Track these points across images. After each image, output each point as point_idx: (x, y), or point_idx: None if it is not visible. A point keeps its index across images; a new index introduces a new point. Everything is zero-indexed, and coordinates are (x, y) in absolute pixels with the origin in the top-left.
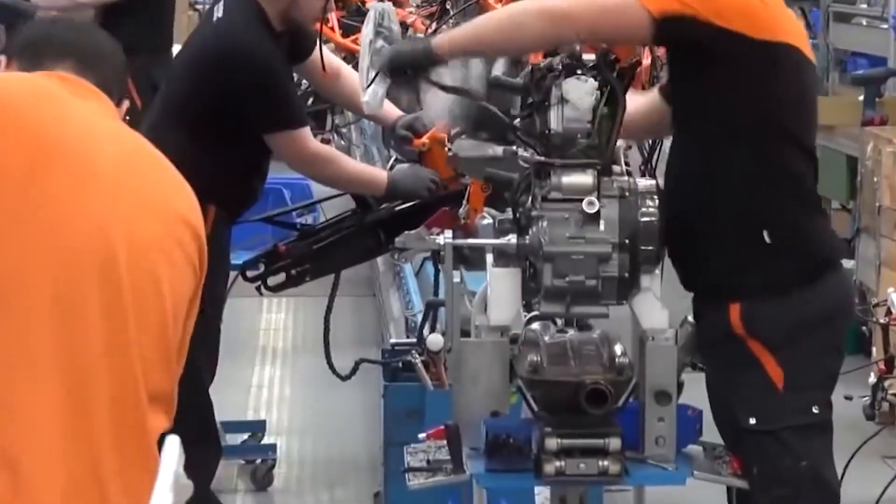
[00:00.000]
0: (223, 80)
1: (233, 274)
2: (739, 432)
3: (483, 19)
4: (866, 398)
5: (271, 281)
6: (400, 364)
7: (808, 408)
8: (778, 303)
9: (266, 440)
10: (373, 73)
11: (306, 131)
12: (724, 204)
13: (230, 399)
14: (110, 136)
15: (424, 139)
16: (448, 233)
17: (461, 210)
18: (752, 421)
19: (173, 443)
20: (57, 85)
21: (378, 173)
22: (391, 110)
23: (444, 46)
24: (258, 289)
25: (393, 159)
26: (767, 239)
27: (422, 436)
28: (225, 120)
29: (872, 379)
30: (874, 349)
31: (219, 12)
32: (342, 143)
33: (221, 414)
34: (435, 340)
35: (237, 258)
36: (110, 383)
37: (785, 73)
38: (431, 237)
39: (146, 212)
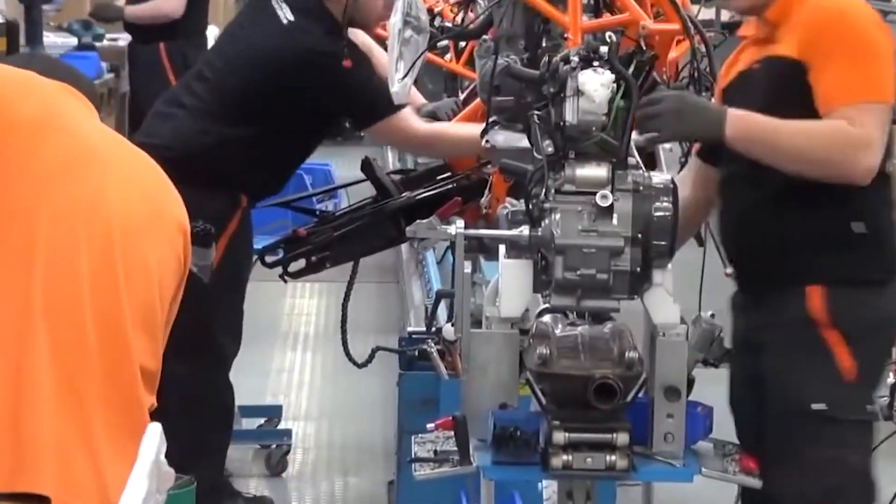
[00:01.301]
0: (304, 84)
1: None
2: (800, 415)
3: (788, 127)
4: (885, 398)
5: (292, 267)
6: (416, 353)
7: (870, 403)
8: (860, 295)
9: (282, 425)
10: (402, 64)
11: (398, 115)
12: (816, 192)
13: (249, 383)
14: (99, 128)
15: None
16: (460, 222)
17: (483, 200)
18: (823, 406)
19: (154, 430)
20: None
21: (476, 127)
22: (415, 97)
23: (737, 134)
24: (281, 275)
25: None
26: (855, 230)
27: (430, 426)
28: (290, 118)
29: (891, 379)
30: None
31: (286, 12)
32: None
33: (240, 398)
34: (450, 330)
35: (257, 243)
36: (101, 354)
37: None
38: (443, 226)
39: (137, 196)
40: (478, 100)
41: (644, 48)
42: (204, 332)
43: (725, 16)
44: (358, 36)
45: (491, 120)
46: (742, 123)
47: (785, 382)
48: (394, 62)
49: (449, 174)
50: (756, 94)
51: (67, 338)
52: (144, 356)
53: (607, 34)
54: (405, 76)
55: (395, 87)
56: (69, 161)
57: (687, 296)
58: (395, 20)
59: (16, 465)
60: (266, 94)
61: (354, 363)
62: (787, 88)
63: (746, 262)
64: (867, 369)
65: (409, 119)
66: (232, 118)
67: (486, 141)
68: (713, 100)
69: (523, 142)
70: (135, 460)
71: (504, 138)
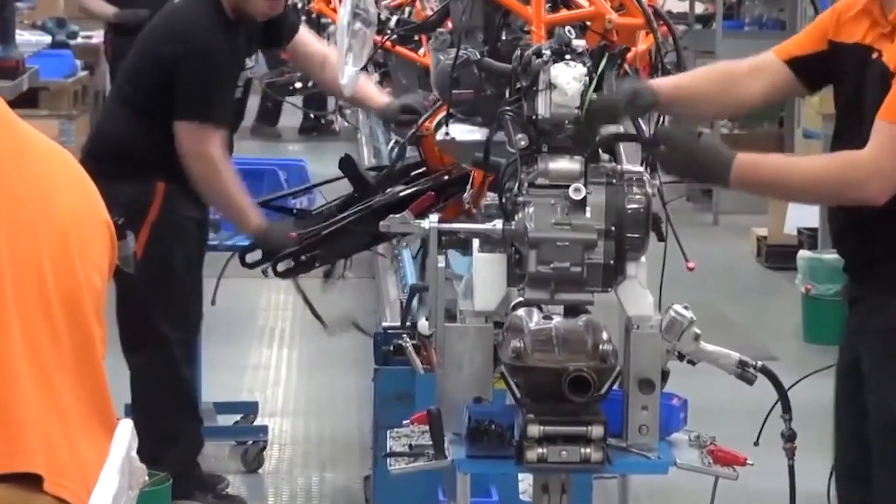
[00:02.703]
0: (167, 58)
1: (226, 255)
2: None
3: (792, 170)
4: None
5: (280, 266)
6: (391, 348)
7: None
8: None
9: (258, 422)
10: (350, 56)
11: (213, 132)
12: None
13: (225, 379)
14: (26, 125)
15: (427, 124)
16: (434, 216)
17: (466, 195)
18: None
19: (126, 426)
20: None
21: (256, 214)
22: (375, 95)
23: (743, 182)
24: (263, 270)
25: (393, 141)
26: None
27: (406, 421)
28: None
29: None
30: None
31: None
32: (346, 124)
33: (216, 395)
34: (425, 324)
35: (241, 241)
36: (71, 344)
37: None
38: (417, 221)
39: (77, 190)
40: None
41: (608, 42)
42: (145, 324)
43: (699, 8)
44: (319, 50)
45: (445, 113)
46: (747, 172)
47: (875, 388)
48: (343, 54)
49: (423, 170)
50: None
51: (38, 326)
52: (101, 346)
53: (566, 28)
54: (354, 68)
55: (343, 80)
56: (16, 151)
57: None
58: (344, 12)
59: (6, 447)
60: (146, 72)
61: (323, 323)
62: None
63: (852, 259)
64: None
65: (212, 138)
66: (134, 102)
67: (447, 133)
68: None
69: (477, 134)
70: (105, 446)
71: (458, 130)
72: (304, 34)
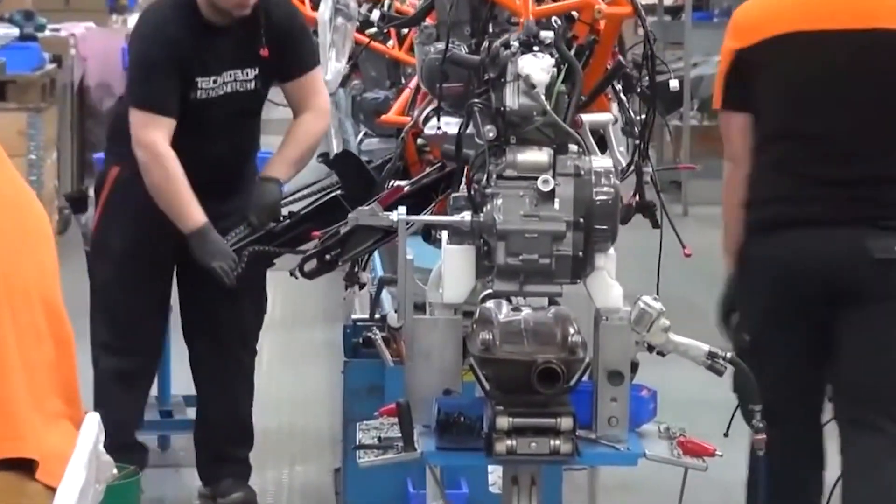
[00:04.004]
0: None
1: None
2: None
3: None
4: None
5: (306, 267)
6: (361, 340)
7: None
8: None
9: None
10: (334, 51)
11: (155, 120)
12: None
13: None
14: None
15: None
16: (402, 208)
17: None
18: None
19: (92, 420)
20: None
21: (198, 214)
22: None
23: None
24: (292, 273)
25: (363, 133)
26: None
27: (376, 414)
28: None
29: None
30: None
31: None
32: None
33: (186, 388)
34: (395, 317)
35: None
36: (53, 342)
37: None
38: (385, 213)
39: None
40: (409, 89)
41: (598, 31)
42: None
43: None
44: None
45: (433, 107)
46: None
47: None
48: (325, 49)
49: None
50: None
51: (25, 321)
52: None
53: (553, 18)
54: (338, 63)
55: (328, 75)
56: None
57: (647, 279)
58: (325, 8)
59: (4, 431)
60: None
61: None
62: None
63: None
64: None
65: (145, 123)
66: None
67: (438, 127)
68: None
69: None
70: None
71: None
72: (308, 83)
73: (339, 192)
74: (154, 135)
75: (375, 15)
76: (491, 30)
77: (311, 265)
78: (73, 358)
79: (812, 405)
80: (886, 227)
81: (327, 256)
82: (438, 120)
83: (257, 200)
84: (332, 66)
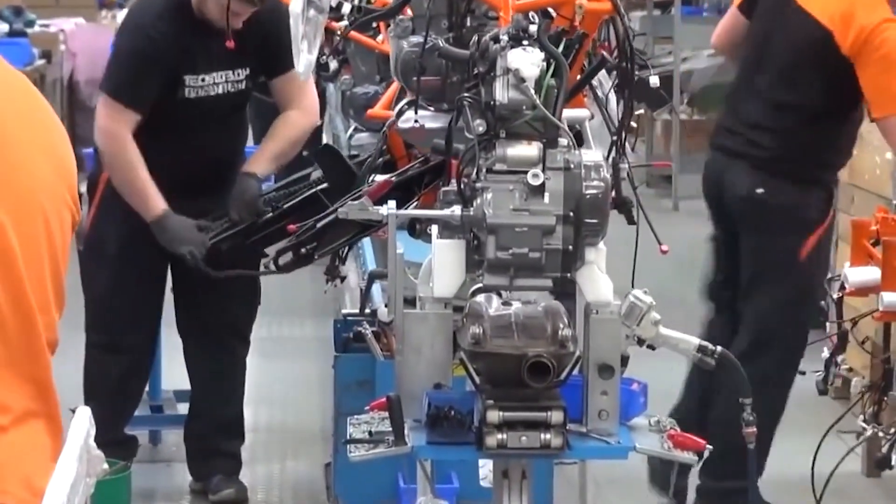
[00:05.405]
0: None
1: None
2: None
3: None
4: (819, 373)
5: (281, 260)
6: (351, 334)
7: None
8: None
9: None
10: (305, 44)
11: (123, 111)
12: None
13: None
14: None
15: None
16: (391, 202)
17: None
18: None
19: (83, 414)
20: None
21: (157, 203)
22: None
23: None
24: (266, 266)
25: (353, 128)
26: None
27: (366, 408)
28: None
29: (825, 354)
30: (828, 324)
31: None
32: None
33: (177, 383)
34: (385, 311)
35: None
36: (16, 326)
37: None
38: (374, 207)
39: (40, 155)
40: (396, 83)
41: (576, 27)
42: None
43: None
44: None
45: (409, 100)
46: None
47: None
48: (297, 41)
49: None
50: None
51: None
52: (49, 332)
53: (530, 14)
54: (309, 55)
55: (300, 67)
56: None
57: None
58: (297, 0)
59: None
60: None
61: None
62: None
63: None
64: None
65: (112, 111)
66: None
67: (416, 121)
68: None
69: (444, 121)
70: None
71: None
72: (295, 81)
73: (323, 186)
74: (117, 125)
75: (346, 8)
76: (469, 23)
77: (286, 258)
78: (42, 349)
79: None
80: None
81: (303, 250)
82: (416, 112)
83: (236, 195)
84: (304, 57)
